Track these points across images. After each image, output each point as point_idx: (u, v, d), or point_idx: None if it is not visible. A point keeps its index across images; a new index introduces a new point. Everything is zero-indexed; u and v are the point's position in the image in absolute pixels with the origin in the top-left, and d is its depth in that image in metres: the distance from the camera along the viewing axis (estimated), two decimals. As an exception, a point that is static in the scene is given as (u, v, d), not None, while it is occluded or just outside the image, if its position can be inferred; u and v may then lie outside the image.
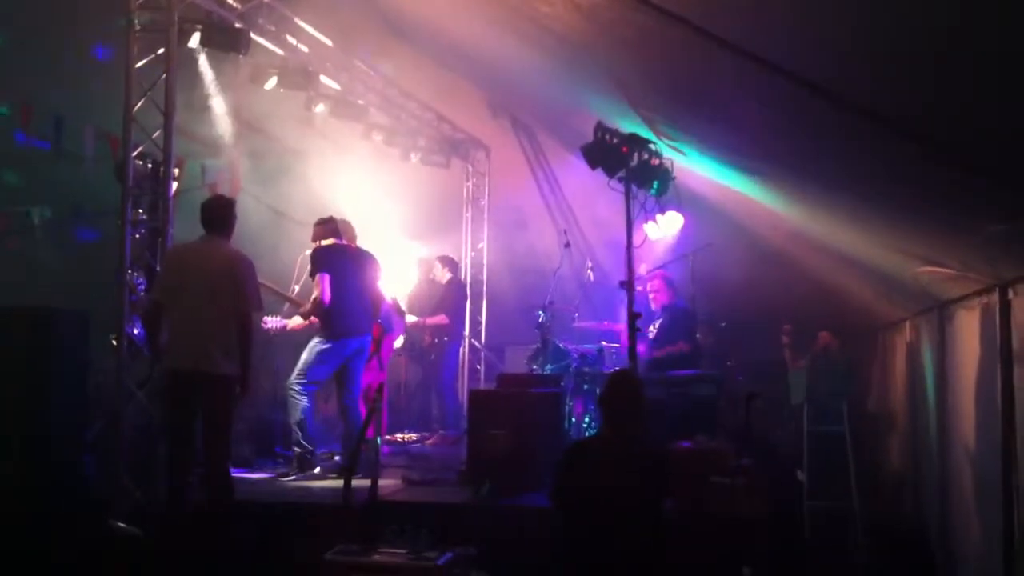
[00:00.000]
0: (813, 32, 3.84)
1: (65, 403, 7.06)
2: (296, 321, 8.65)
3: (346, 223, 8.81)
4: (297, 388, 8.02)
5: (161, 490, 6.76)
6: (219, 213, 6.73)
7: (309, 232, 8.62)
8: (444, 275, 11.81)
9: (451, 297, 11.68)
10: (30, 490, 6.71)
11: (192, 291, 6.43)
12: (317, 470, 8.05)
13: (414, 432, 11.34)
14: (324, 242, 8.37)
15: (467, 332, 12.84)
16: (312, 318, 8.34)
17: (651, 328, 9.73)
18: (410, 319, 11.03)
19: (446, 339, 11.45)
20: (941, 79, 3.57)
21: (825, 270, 9.67)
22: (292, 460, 8.18)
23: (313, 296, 8.14)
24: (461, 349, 12.52)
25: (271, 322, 8.76)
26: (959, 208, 5.01)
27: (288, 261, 10.03)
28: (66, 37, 10.10)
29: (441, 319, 11.38)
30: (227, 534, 6.40)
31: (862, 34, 3.59)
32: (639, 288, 8.04)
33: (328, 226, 8.47)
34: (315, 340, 8.18)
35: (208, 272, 6.49)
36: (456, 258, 12.69)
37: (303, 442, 8.03)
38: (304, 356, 8.13)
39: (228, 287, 6.48)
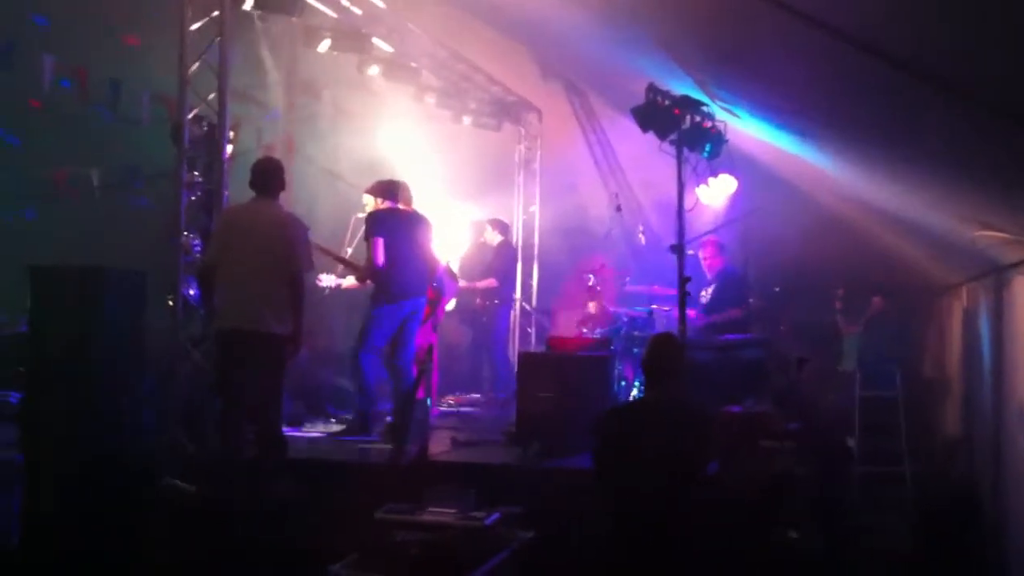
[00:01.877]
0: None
1: (118, 360, 7.15)
2: (350, 281, 8.74)
3: (403, 185, 8.83)
4: (360, 353, 8.09)
5: (214, 446, 6.90)
6: (268, 175, 6.80)
7: (361, 194, 8.66)
8: (495, 238, 11.82)
9: (501, 260, 11.69)
10: (75, 444, 6.83)
11: (243, 252, 6.52)
12: (376, 435, 8.14)
13: (464, 394, 11.41)
14: (380, 205, 8.39)
15: (518, 295, 12.84)
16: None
17: (703, 293, 9.70)
18: (460, 283, 11.04)
19: (496, 302, 11.47)
20: (998, 38, 3.50)
21: (879, 234, 9.55)
22: (353, 422, 8.28)
23: (369, 259, 8.22)
24: (512, 312, 12.54)
25: (325, 280, 8.85)
26: (1015, 171, 4.93)
27: (342, 223, 10.12)
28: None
29: (490, 282, 11.38)
30: (277, 491, 6.53)
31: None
32: (690, 252, 8.00)
33: (386, 187, 8.49)
34: (371, 305, 8.24)
35: (259, 233, 6.58)
36: (508, 221, 12.68)
37: (363, 407, 8.13)
38: (363, 323, 8.21)
39: (279, 247, 6.57)
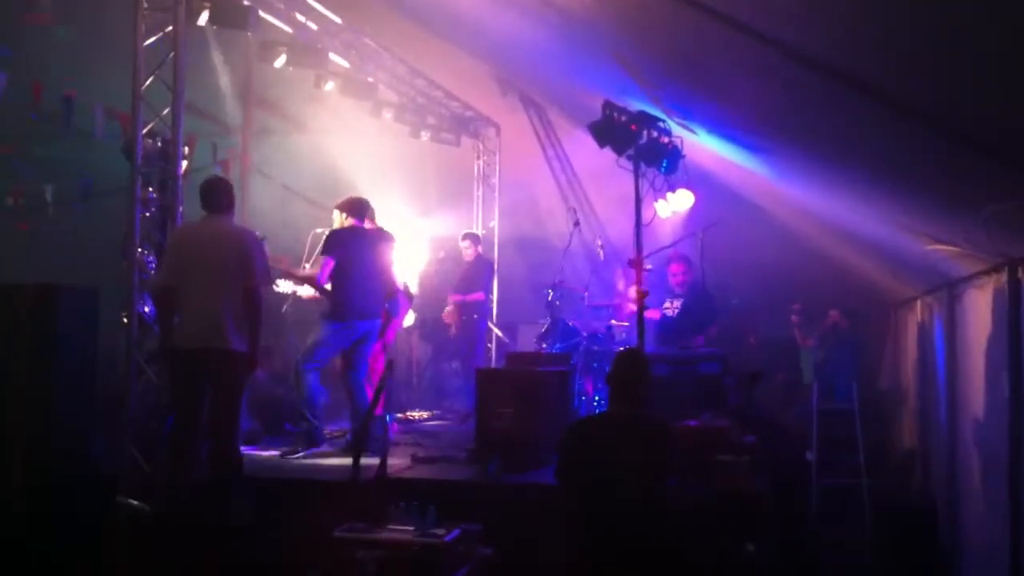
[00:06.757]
0: (816, 7, 3.82)
1: (71, 379, 7.09)
2: (307, 290, 8.69)
3: (369, 203, 8.76)
4: (304, 366, 8.04)
5: (169, 465, 6.81)
6: (218, 193, 6.79)
7: (319, 209, 8.61)
8: (469, 252, 11.79)
9: (480, 273, 11.68)
10: (33, 465, 6.76)
11: (202, 270, 6.47)
12: (324, 446, 8.09)
13: (424, 410, 11.34)
14: (346, 222, 8.34)
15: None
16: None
17: (667, 306, 9.78)
18: (453, 297, 11.02)
19: (476, 316, 11.42)
20: (946, 57, 3.55)
21: (835, 248, 9.64)
22: (300, 436, 8.22)
23: (311, 272, 8.20)
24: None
25: (283, 286, 8.79)
26: (964, 186, 4.99)
27: (299, 238, 10.05)
28: (77, 14, 10.13)
29: (479, 296, 11.39)
30: (234, 510, 6.45)
31: (864, 9, 3.56)
32: (648, 267, 8.02)
33: (354, 205, 8.45)
34: (325, 321, 8.19)
35: (217, 250, 6.54)
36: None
37: (310, 418, 8.07)
38: (313, 336, 8.15)
39: (238, 264, 6.53)
